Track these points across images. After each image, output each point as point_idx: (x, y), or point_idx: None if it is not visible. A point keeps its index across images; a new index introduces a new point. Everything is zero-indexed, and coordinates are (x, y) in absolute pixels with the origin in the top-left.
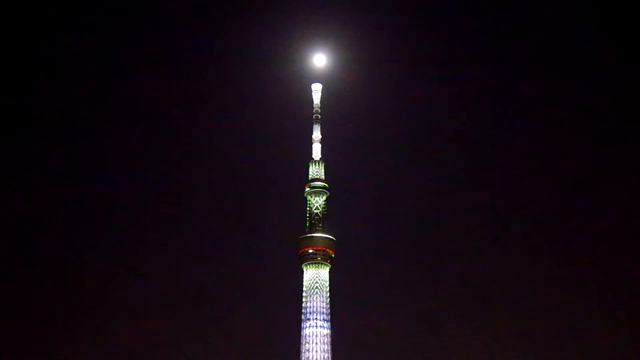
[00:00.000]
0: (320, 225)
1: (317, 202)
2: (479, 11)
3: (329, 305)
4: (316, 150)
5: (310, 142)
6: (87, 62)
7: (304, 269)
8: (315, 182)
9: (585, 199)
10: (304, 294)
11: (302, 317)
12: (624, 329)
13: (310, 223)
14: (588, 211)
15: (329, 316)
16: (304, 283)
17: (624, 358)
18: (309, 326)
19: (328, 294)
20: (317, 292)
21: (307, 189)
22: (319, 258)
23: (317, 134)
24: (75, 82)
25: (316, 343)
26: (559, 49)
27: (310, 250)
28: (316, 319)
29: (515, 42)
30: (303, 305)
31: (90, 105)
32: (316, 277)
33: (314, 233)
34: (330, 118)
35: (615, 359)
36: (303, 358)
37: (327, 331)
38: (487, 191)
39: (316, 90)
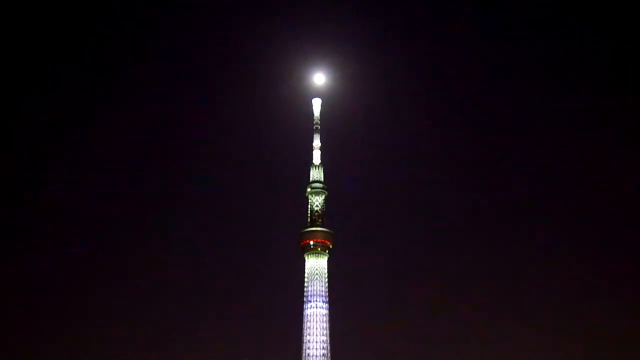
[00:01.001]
0: (320, 220)
1: (317, 201)
2: (472, 26)
3: (327, 289)
4: (316, 156)
5: (311, 149)
6: (93, 63)
7: (306, 258)
8: (315, 184)
9: (586, 197)
10: (305, 279)
11: (304, 299)
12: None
13: (311, 219)
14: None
15: (327, 298)
16: (306, 270)
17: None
18: (310, 307)
19: (326, 280)
20: (317, 278)
21: (308, 190)
22: (319, 249)
23: (317, 142)
24: (80, 81)
25: (316, 321)
26: (557, 57)
27: (311, 242)
28: (316, 301)
29: (511, 53)
30: (305, 289)
31: (94, 105)
32: (316, 265)
33: (314, 227)
34: (329, 128)
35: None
36: (305, 335)
37: (325, 311)
38: (469, 188)
39: (316, 105)
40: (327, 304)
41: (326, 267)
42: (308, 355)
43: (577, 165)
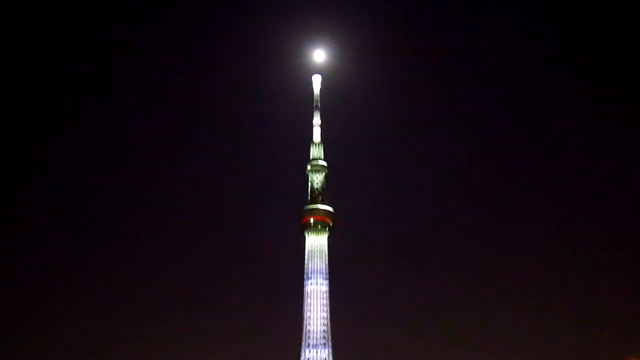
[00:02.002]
0: (320, 198)
1: (317, 179)
2: (475, 7)
3: (327, 266)
4: (316, 134)
5: (311, 127)
6: (98, 55)
7: (306, 236)
8: (316, 161)
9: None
10: (306, 256)
11: (305, 276)
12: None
13: (312, 196)
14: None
15: (328, 275)
16: (306, 247)
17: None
18: (311, 284)
19: (327, 257)
20: (317, 255)
21: (309, 167)
22: (319, 226)
23: (317, 120)
24: (80, 76)
25: (316, 298)
26: (554, 43)
27: (312, 220)
28: (316, 277)
29: (510, 37)
30: (305, 266)
31: (95, 99)
32: (316, 243)
33: (314, 205)
34: (329, 106)
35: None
36: (305, 311)
37: (325, 288)
38: (471, 166)
39: (316, 82)
40: (327, 281)
41: (326, 244)
42: (308, 331)
43: (582, 154)
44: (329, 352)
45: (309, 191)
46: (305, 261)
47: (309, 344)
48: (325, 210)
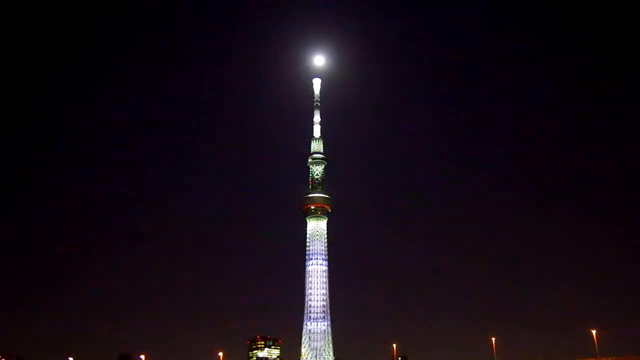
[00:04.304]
0: (320, 187)
1: (317, 170)
2: (466, 12)
3: (326, 248)
4: (316, 130)
5: (311, 124)
6: (104, 54)
7: (307, 221)
8: (316, 155)
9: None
10: (307, 239)
11: (306, 257)
12: None
13: (312, 186)
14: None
15: (327, 256)
16: (307, 232)
17: None
18: (312, 264)
19: (326, 240)
20: (317, 238)
21: (310, 160)
22: (319, 212)
23: (317, 118)
24: (90, 72)
25: (317, 277)
26: (557, 43)
27: (312, 207)
28: (317, 258)
29: (505, 37)
30: (307, 248)
31: (104, 89)
32: (317, 227)
33: (314, 193)
34: (328, 105)
35: None
36: (307, 288)
37: (325, 268)
38: (463, 157)
39: (316, 84)
40: (326, 261)
41: (325, 228)
42: (310, 306)
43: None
44: (328, 324)
45: (310, 181)
46: (307, 244)
47: (310, 317)
48: (324, 197)
